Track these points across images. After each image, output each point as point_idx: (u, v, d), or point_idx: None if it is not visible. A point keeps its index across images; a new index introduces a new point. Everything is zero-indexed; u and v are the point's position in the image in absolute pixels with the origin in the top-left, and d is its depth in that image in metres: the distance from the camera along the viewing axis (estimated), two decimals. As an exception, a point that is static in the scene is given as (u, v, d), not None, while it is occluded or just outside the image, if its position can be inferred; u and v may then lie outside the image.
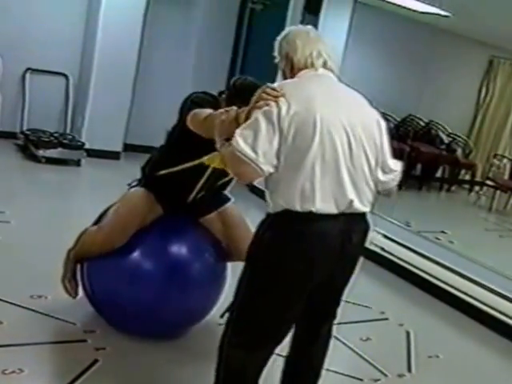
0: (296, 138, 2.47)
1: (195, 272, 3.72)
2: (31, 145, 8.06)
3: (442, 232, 6.73)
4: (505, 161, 10.15)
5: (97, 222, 3.87)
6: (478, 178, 10.29)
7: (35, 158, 7.95)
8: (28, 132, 8.32)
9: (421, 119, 9.57)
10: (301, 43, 2.75)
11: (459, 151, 10.25)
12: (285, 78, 2.79)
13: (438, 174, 10.17)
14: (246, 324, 2.70)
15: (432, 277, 5.70)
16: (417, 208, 8.16)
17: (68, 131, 8.78)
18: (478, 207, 10.13)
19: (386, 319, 5.06)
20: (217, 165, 3.36)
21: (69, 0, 8.74)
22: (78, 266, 3.88)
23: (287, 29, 2.91)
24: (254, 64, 9.40)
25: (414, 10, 6.89)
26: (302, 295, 2.68)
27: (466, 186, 10.50)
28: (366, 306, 5.17)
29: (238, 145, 2.47)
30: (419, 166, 9.69)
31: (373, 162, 2.65)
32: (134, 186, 3.77)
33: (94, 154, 8.46)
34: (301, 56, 2.73)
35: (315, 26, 7.55)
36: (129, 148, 9.28)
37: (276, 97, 2.49)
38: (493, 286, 5.33)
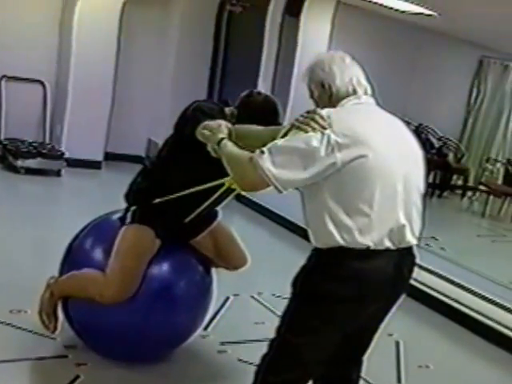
0: (348, 173, 2.43)
1: (180, 292, 3.70)
2: (9, 155, 8.11)
3: (433, 238, 6.75)
4: (498, 165, 10.19)
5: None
6: (470, 183, 10.31)
7: (14, 169, 8.00)
8: (6, 142, 8.38)
9: (409, 123, 9.58)
10: (338, 70, 2.70)
11: (451, 156, 10.26)
12: (319, 106, 2.69)
13: (429, 179, 10.19)
14: (286, 363, 2.66)
15: (422, 284, 5.70)
16: None
17: (47, 140, 8.86)
18: (471, 213, 10.20)
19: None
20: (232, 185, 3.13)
21: (42, 5, 8.83)
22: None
23: (319, 55, 2.87)
24: (234, 69, 9.54)
25: (397, 10, 6.93)
26: (344, 335, 2.66)
27: (459, 192, 10.53)
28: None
29: (264, 163, 2.43)
30: None
31: (421, 196, 2.67)
32: (129, 222, 3.53)
33: (74, 163, 8.54)
34: (340, 84, 2.68)
35: (296, 28, 7.76)
36: (110, 157, 9.38)
37: (323, 127, 2.44)
38: (485, 293, 5.36)
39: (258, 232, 7.42)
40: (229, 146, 2.73)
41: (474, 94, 10.31)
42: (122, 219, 3.57)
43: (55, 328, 3.75)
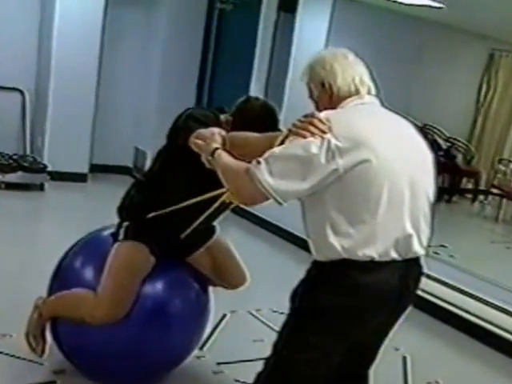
0: (351, 180, 2.42)
1: (175, 311, 3.71)
2: (-12, 169, 8.04)
3: (442, 246, 6.78)
4: (511, 166, 10.25)
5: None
6: (481, 187, 10.33)
7: (-7, 184, 7.96)
8: (-17, 155, 8.31)
9: (414, 123, 9.57)
10: (340, 68, 2.68)
11: (459, 157, 10.26)
12: (319, 107, 2.71)
13: (437, 183, 10.16)
14: (283, 381, 2.67)
15: (430, 295, 5.74)
16: None
17: (28, 153, 8.87)
18: (483, 218, 10.18)
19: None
20: (228, 199, 3.13)
21: (19, 10, 8.85)
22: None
23: (320, 53, 2.83)
24: (225, 70, 9.55)
25: (400, 3, 6.99)
26: (346, 350, 2.67)
27: (469, 196, 10.53)
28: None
29: (261, 174, 2.43)
30: None
31: (430, 203, 2.64)
32: (122, 239, 3.55)
33: (58, 176, 8.57)
34: (342, 83, 2.66)
35: (291, 24, 7.79)
36: (96, 168, 9.40)
37: (323, 131, 2.42)
38: (499, 303, 5.38)
39: (256, 244, 7.45)
40: (223, 156, 2.72)
41: (483, 90, 10.30)
42: (115, 235, 3.58)
43: (43, 351, 3.76)
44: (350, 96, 2.66)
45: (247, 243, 7.17)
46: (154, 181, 3.57)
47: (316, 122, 2.45)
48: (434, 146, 9.50)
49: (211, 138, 2.86)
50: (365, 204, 2.45)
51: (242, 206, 2.75)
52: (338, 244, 2.47)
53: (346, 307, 2.52)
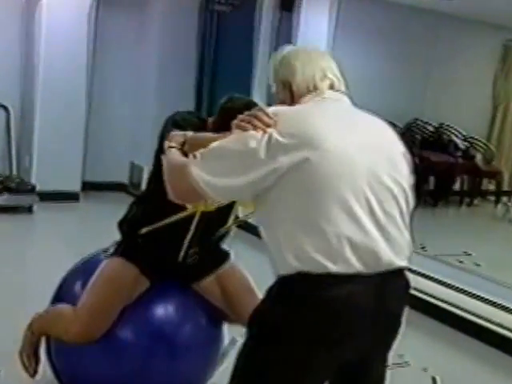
0: (294, 180, 2.32)
1: (183, 339, 3.65)
2: (-29, 192, 8.00)
3: (465, 254, 6.74)
4: (537, 164, 10.19)
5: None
6: (504, 187, 10.25)
7: (-22, 207, 7.90)
8: (-34, 177, 8.27)
9: (429, 123, 9.56)
10: (300, 64, 2.61)
11: (479, 157, 10.22)
12: None
13: (456, 186, 10.14)
14: None
15: (456, 307, 5.69)
16: (432, 228, 8.06)
17: (14, 173, 8.84)
18: (508, 221, 10.04)
19: (407, 364, 5.01)
20: (204, 208, 3.24)
21: (0, 21, 8.82)
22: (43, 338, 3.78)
23: (283, 49, 2.74)
24: (225, 75, 9.54)
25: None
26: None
27: (492, 198, 10.47)
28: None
29: (195, 168, 2.38)
30: (432, 179, 9.68)
31: (404, 206, 2.47)
32: (110, 255, 3.57)
33: (47, 197, 8.50)
34: (301, 80, 2.59)
35: (294, 23, 7.73)
36: (89, 186, 9.39)
37: (267, 125, 2.35)
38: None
39: (265, 261, 7.34)
40: (172, 153, 2.72)
41: (499, 84, 10.25)
42: (106, 251, 3.62)
43: (35, 372, 3.75)
44: (308, 93, 2.58)
45: (255, 260, 7.05)
46: (147, 192, 3.60)
47: (260, 115, 2.37)
48: (450, 146, 9.47)
49: (171, 139, 2.85)
50: (314, 208, 2.32)
51: (176, 202, 2.64)
52: (292, 255, 2.34)
53: (306, 331, 2.36)
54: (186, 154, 2.67)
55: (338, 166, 2.33)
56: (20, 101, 9.05)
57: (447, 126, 9.53)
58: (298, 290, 2.36)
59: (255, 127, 2.34)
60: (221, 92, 9.40)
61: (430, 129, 9.62)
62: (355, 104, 2.63)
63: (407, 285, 2.58)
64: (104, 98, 9.55)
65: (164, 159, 2.69)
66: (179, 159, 2.61)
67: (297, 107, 2.55)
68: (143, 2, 9.76)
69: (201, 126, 3.27)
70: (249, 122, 2.36)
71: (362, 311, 2.37)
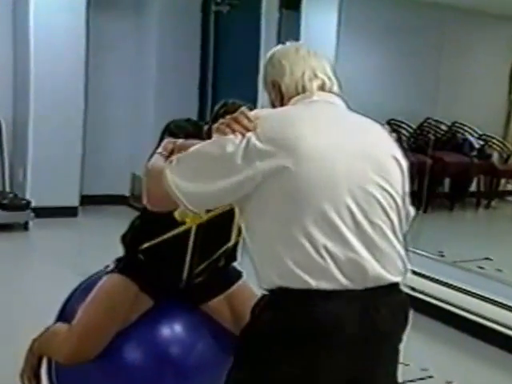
0: (272, 189, 2.28)
1: (191, 361, 3.58)
2: (-37, 209, 8.01)
3: (486, 259, 6.62)
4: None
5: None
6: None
7: (-29, 225, 7.91)
8: (-43, 194, 8.28)
9: (441, 122, 9.47)
10: (288, 64, 2.56)
11: (495, 156, 10.15)
12: None
13: (473, 187, 10.08)
14: None
15: (479, 316, 5.64)
16: (450, 232, 8.06)
17: (7, 189, 8.81)
18: (530, 223, 10.05)
19: (430, 377, 5.00)
20: (192, 220, 3.25)
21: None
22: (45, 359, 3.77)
23: (273, 49, 2.71)
24: (228, 79, 9.47)
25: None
26: None
27: (511, 199, 10.41)
28: (402, 363, 5.06)
29: (170, 173, 2.35)
30: (447, 181, 9.62)
31: (394, 216, 2.42)
32: (110, 271, 3.55)
33: (44, 213, 8.47)
34: (290, 81, 2.54)
35: (297, 22, 7.72)
36: (88, 200, 9.35)
37: (247, 129, 2.31)
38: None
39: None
40: (154, 158, 2.72)
41: (515, 79, 10.21)
42: (106, 267, 3.59)
43: None
44: (297, 95, 2.53)
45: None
46: None
47: (240, 118, 2.35)
48: (465, 145, 9.40)
49: (162, 147, 2.86)
50: (293, 221, 2.28)
51: (152, 210, 2.62)
52: (272, 269, 2.32)
53: (286, 352, 2.31)
54: None
55: (317, 174, 2.28)
56: (12, 112, 9.00)
57: (461, 124, 9.42)
58: (278, 307, 2.33)
59: (234, 131, 2.32)
60: (225, 95, 9.35)
61: (443, 128, 9.55)
62: (360, 106, 2.61)
63: (403, 302, 2.53)
64: (101, 107, 9.53)
65: (144, 166, 2.69)
66: (159, 165, 2.58)
67: (280, 110, 2.53)
68: (139, 4, 9.73)
69: (196, 134, 3.25)
70: (228, 126, 2.34)
71: (345, 332, 2.30)
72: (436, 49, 8.28)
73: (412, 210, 2.60)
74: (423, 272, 6.14)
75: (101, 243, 7.56)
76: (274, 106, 2.62)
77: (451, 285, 6.01)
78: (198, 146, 2.41)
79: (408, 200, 2.54)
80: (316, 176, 2.28)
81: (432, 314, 6.00)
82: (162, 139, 3.17)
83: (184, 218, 3.23)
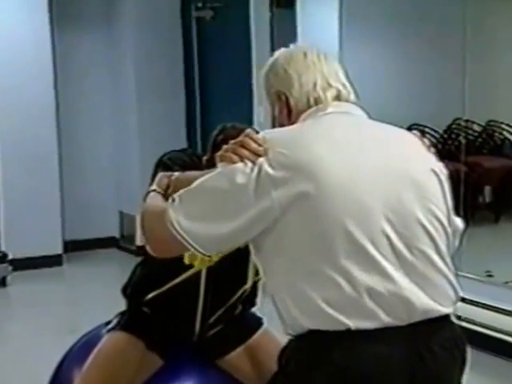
0: (293, 220, 2.24)
1: None
2: None
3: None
4: None
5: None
6: None
7: None
8: None
9: (474, 122, 9.35)
10: (296, 73, 2.50)
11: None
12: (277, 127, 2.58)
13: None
14: None
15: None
16: (497, 248, 7.93)
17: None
18: None
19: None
20: (201, 263, 3.18)
21: None
22: None
23: (275, 53, 2.65)
24: (219, 95, 9.46)
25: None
26: None
27: None
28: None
29: (174, 214, 2.30)
30: (488, 189, 9.52)
31: (440, 239, 2.38)
32: (112, 328, 3.51)
33: (22, 265, 8.43)
34: (299, 94, 2.48)
35: (291, 21, 7.60)
36: (72, 246, 9.36)
37: (257, 154, 2.27)
38: None
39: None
40: (150, 197, 2.73)
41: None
42: (108, 324, 3.56)
43: None
44: (309, 108, 2.49)
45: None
46: None
47: (248, 142, 2.32)
48: (504, 146, 9.24)
49: (156, 183, 2.87)
50: (320, 255, 2.26)
51: (156, 256, 2.60)
52: (299, 311, 2.30)
53: None
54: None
55: (344, 200, 2.26)
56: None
57: (497, 122, 9.30)
58: (310, 353, 2.30)
59: (242, 158, 2.29)
60: (216, 115, 9.34)
61: (476, 128, 9.42)
62: (373, 113, 2.56)
63: (458, 337, 2.46)
64: (77, 142, 9.54)
65: (141, 206, 2.68)
66: (157, 204, 2.58)
67: (291, 129, 2.46)
68: (109, 18, 9.74)
69: (193, 165, 3.24)
70: (234, 152, 2.31)
71: (390, 373, 2.28)
72: (459, 36, 8.12)
73: (460, 223, 2.59)
74: (468, 297, 5.92)
75: (92, 294, 7.49)
76: (275, 120, 2.60)
77: (503, 309, 5.93)
78: (201, 179, 2.35)
79: (453, 215, 2.50)
80: (343, 201, 2.25)
81: (482, 344, 5.80)
82: (155, 175, 3.12)
83: (193, 261, 3.18)
